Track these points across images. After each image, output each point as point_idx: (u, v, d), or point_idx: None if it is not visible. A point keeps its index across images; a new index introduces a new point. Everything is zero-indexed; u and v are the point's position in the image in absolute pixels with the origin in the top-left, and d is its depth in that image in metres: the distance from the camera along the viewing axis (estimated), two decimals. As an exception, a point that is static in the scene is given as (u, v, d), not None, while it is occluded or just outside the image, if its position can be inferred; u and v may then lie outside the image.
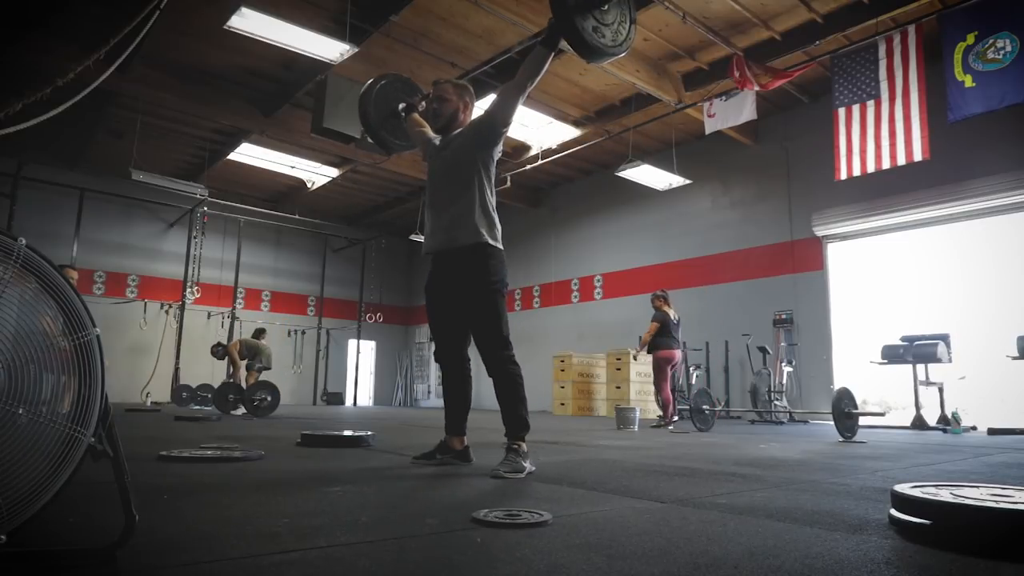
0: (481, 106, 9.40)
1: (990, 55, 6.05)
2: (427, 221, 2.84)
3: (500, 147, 2.79)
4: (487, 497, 2.00)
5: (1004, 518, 1.32)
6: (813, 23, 7.53)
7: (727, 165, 10.69)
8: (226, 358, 9.89)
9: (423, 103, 3.15)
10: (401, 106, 3.18)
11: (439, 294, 2.82)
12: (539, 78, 2.61)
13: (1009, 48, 5.96)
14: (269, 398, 7.38)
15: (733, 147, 10.39)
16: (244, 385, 8.66)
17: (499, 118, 2.68)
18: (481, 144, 2.73)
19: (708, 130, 8.50)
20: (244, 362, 9.70)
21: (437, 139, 2.93)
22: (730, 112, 8.09)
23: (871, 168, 7.02)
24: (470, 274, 2.65)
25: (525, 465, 2.45)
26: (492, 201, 2.75)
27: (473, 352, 2.83)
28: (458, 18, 7.71)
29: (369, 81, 3.30)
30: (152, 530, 1.36)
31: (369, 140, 3.36)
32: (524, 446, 2.55)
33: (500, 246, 2.72)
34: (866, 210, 8.85)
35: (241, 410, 7.61)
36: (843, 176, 7.24)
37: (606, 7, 2.38)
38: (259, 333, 10.00)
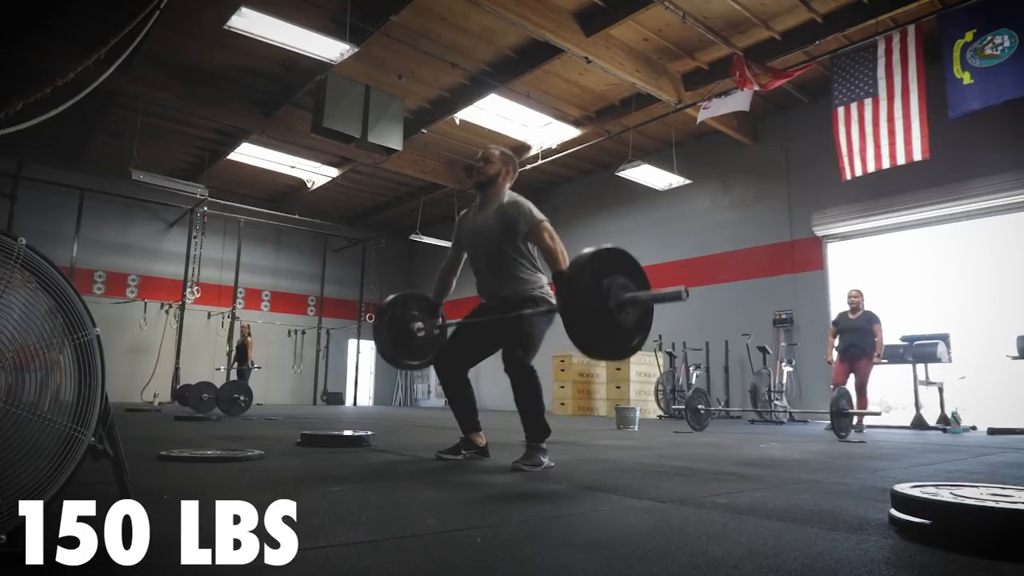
0: (482, 106, 9.47)
1: (988, 51, 6.03)
2: (477, 278, 3.03)
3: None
4: (487, 496, 2.01)
5: (1004, 518, 1.32)
6: (813, 23, 7.53)
7: (727, 165, 10.69)
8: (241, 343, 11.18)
9: (437, 330, 3.25)
10: (417, 326, 3.23)
11: (481, 313, 2.97)
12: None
13: (1007, 44, 5.94)
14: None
15: (733, 147, 10.39)
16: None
17: (519, 233, 2.82)
18: (512, 234, 2.86)
19: (700, 119, 8.44)
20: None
21: (468, 216, 3.07)
22: (723, 104, 8.06)
23: (871, 167, 7.01)
24: (514, 309, 2.82)
25: (543, 460, 2.60)
26: (533, 257, 2.90)
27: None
28: (458, 18, 7.71)
29: (378, 313, 3.32)
30: (152, 530, 1.36)
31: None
32: (543, 445, 2.72)
33: (545, 290, 2.87)
34: (866, 210, 8.84)
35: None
36: (848, 176, 7.22)
37: (621, 313, 2.33)
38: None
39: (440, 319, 3.24)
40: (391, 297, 3.28)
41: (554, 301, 2.83)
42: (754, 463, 3.12)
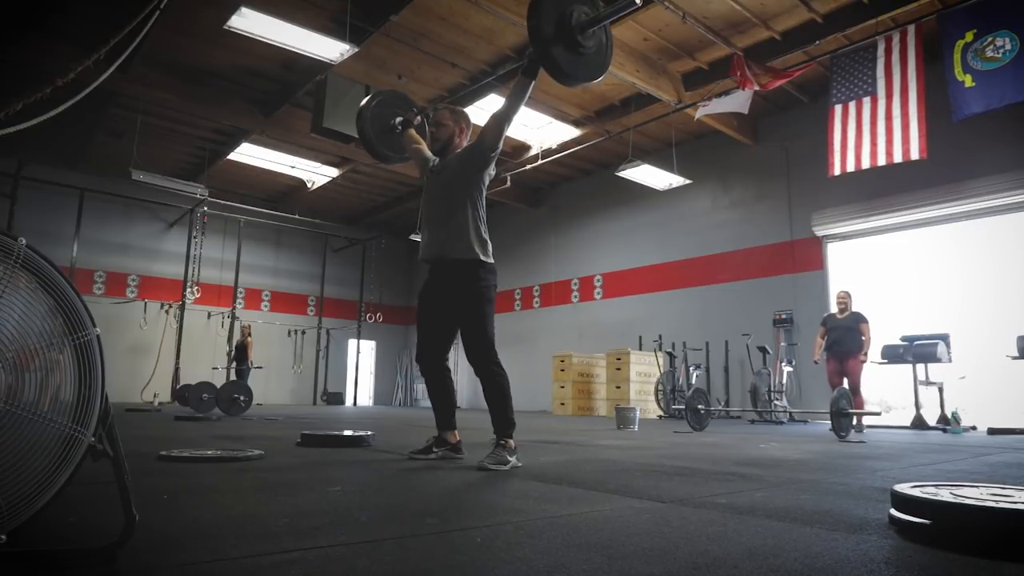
0: (483, 107, 9.47)
1: (989, 53, 6.04)
2: (423, 234, 3.06)
3: (492, 170, 3.04)
4: (487, 497, 2.01)
5: (1004, 518, 1.32)
6: (813, 23, 7.53)
7: (727, 165, 10.69)
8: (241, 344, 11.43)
9: (418, 117, 3.37)
10: (397, 120, 3.34)
11: (432, 300, 3.03)
12: (522, 105, 2.87)
13: (1008, 46, 5.95)
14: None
15: (733, 147, 10.39)
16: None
17: (488, 144, 2.91)
18: (474, 169, 2.96)
19: (698, 116, 8.43)
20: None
21: (434, 160, 3.15)
22: (722, 103, 8.06)
23: (866, 164, 7.01)
24: (463, 282, 2.89)
25: (510, 459, 2.61)
26: (484, 218, 3.00)
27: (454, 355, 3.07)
28: (458, 18, 7.71)
29: (365, 98, 3.48)
30: (152, 530, 1.36)
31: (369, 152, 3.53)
32: (511, 443, 2.73)
33: (491, 260, 2.96)
34: (866, 210, 8.85)
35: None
36: (836, 172, 7.23)
37: (583, 37, 2.51)
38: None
39: (416, 111, 3.41)
40: (371, 94, 3.48)
41: (491, 260, 2.94)
42: (754, 463, 3.12)
